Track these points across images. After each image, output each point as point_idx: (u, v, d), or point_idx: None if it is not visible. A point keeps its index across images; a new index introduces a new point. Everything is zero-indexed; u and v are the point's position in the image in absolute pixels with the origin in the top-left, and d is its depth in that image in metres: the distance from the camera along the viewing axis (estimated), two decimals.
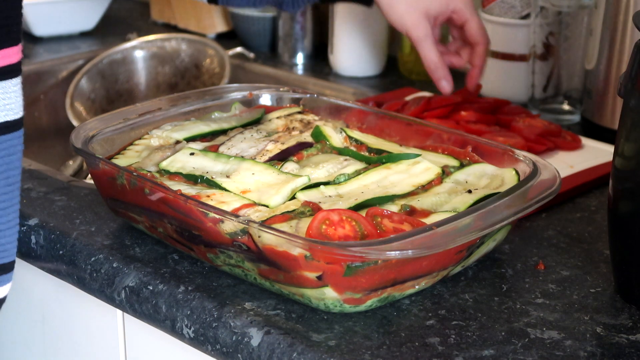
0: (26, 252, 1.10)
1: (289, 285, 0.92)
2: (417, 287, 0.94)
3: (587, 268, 1.01)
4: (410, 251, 0.86)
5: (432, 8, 1.24)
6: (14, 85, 0.80)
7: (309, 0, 1.25)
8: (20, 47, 0.80)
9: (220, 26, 1.90)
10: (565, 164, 1.24)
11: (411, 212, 0.96)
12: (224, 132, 1.15)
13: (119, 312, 1.07)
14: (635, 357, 0.87)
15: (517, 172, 1.02)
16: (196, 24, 1.92)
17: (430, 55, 1.24)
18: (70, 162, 1.69)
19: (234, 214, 0.95)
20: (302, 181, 1.01)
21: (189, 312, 0.94)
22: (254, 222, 0.91)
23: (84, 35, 1.90)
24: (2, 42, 0.78)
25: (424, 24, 1.23)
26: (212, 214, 0.93)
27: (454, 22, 1.28)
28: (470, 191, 1.00)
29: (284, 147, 1.09)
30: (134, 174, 1.00)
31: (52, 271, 1.09)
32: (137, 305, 0.99)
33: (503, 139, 1.24)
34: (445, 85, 1.26)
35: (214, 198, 0.98)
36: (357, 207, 0.96)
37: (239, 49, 1.78)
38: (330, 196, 0.99)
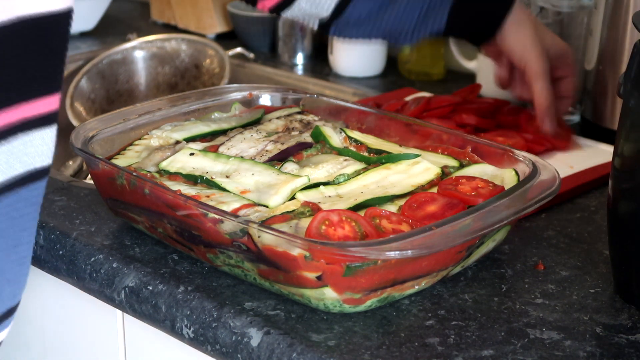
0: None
1: (289, 286, 0.92)
2: (416, 287, 0.94)
3: (587, 268, 1.01)
4: (409, 251, 0.86)
5: (552, 49, 1.24)
6: (51, 133, 0.81)
7: (425, 33, 1.23)
8: (60, 96, 0.81)
9: (220, 26, 1.90)
10: (565, 164, 1.24)
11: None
12: (223, 132, 1.15)
13: (118, 312, 1.07)
14: (634, 357, 0.87)
15: (516, 173, 1.02)
16: (196, 24, 1.92)
17: (545, 93, 1.22)
18: (70, 162, 1.69)
19: (234, 214, 0.95)
20: (301, 181, 1.01)
21: (188, 312, 0.94)
22: (254, 222, 0.91)
23: (84, 35, 1.90)
24: (47, 89, 0.79)
25: (545, 60, 1.22)
26: (211, 214, 0.93)
27: (556, 63, 1.26)
28: None
29: (284, 147, 1.09)
30: (134, 174, 1.01)
31: (52, 271, 1.09)
32: (137, 305, 0.99)
33: (503, 139, 1.24)
34: (548, 126, 1.24)
35: (214, 198, 0.98)
36: (357, 208, 0.96)
37: (239, 49, 1.78)
38: (329, 196, 0.99)
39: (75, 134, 1.09)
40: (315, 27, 1.25)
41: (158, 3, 1.99)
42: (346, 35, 1.26)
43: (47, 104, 0.79)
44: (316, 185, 1.01)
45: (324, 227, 0.90)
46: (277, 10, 1.24)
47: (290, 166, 1.04)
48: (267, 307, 0.93)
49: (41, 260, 1.09)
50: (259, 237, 0.90)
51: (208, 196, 0.99)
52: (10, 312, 0.87)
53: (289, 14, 1.24)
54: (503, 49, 1.24)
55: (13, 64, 0.76)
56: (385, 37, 1.24)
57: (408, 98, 1.43)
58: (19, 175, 0.80)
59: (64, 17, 0.79)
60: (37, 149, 0.80)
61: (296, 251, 0.88)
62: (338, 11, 1.22)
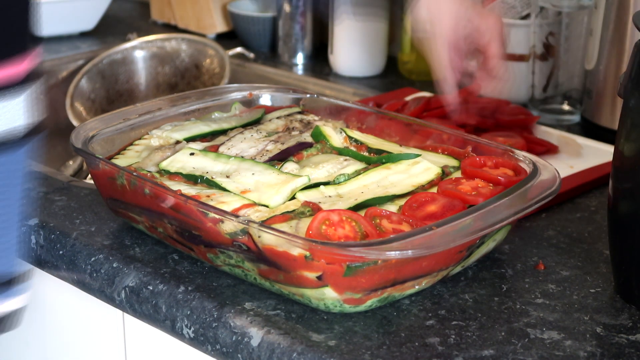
0: (26, 252, 1.10)
1: (289, 286, 0.92)
2: (417, 287, 0.94)
3: (587, 268, 1.01)
4: (410, 251, 0.86)
5: (467, 26, 1.19)
6: (16, 104, 0.77)
7: None
8: (28, 60, 0.77)
9: (220, 26, 1.90)
10: (565, 164, 1.24)
11: None
12: (224, 132, 1.15)
13: (119, 312, 1.07)
14: (635, 357, 0.87)
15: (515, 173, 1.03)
16: (196, 24, 1.92)
17: (444, 72, 1.20)
18: (70, 162, 1.69)
19: (234, 214, 0.95)
20: (302, 181, 1.01)
21: (189, 312, 0.94)
22: (254, 222, 0.91)
23: (84, 35, 1.90)
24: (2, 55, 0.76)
25: (453, 47, 1.18)
26: (212, 214, 0.93)
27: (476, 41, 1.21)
28: None
29: (284, 147, 1.09)
30: (134, 174, 1.01)
31: (52, 271, 1.09)
32: (137, 305, 0.99)
33: (503, 139, 1.24)
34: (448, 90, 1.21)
35: (214, 198, 0.98)
36: (357, 207, 0.96)
37: (239, 49, 1.78)
38: (330, 196, 0.99)
39: (75, 134, 1.09)
40: None
41: (158, 3, 1.99)
42: None
43: (5, 72, 0.76)
44: (316, 185, 1.01)
45: (324, 227, 0.90)
46: None
47: (290, 166, 1.04)
48: (267, 307, 0.93)
49: (41, 260, 1.09)
50: (259, 237, 0.90)
51: (208, 196, 0.99)
52: (3, 285, 0.85)
53: None
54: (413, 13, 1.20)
55: None
56: None
57: (408, 98, 1.43)
58: None
59: None
60: None
61: (296, 251, 0.88)
62: None
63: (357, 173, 1.04)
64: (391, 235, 0.88)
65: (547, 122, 1.41)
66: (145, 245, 1.05)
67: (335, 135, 1.12)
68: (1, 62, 0.75)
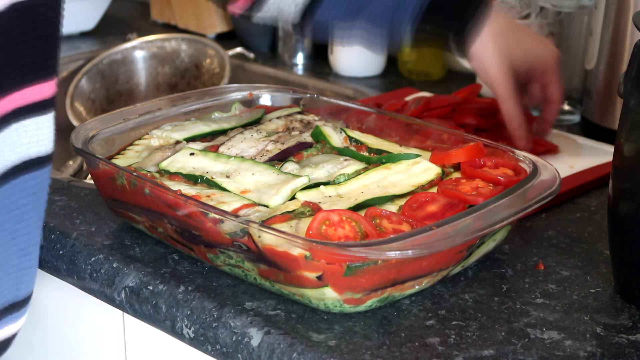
0: None
1: (289, 286, 0.92)
2: (417, 287, 0.94)
3: (587, 268, 1.01)
4: (410, 251, 0.86)
5: (526, 60, 1.19)
6: (47, 121, 0.79)
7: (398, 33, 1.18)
8: (56, 81, 0.79)
9: (220, 26, 1.90)
10: (565, 164, 1.24)
11: None
12: (224, 132, 1.15)
13: (119, 312, 1.07)
14: (635, 357, 0.87)
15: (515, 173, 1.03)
16: (196, 24, 1.92)
17: (514, 114, 1.19)
18: (70, 162, 1.69)
19: (234, 214, 0.95)
20: (302, 181, 1.01)
21: (189, 312, 0.94)
22: (254, 222, 0.91)
23: (84, 35, 1.90)
24: (40, 75, 0.78)
25: (509, 79, 1.17)
26: (212, 214, 0.93)
27: (534, 73, 1.21)
28: None
29: (284, 147, 1.09)
30: (134, 174, 1.01)
31: (52, 271, 1.09)
32: (137, 305, 0.99)
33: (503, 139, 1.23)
34: (525, 145, 1.19)
35: (214, 198, 0.98)
36: (357, 207, 0.96)
37: (239, 49, 1.78)
38: (330, 196, 0.99)
39: (75, 134, 1.08)
40: (290, 27, 1.23)
41: (158, 3, 1.99)
42: (319, 37, 1.23)
43: (41, 90, 0.78)
44: (316, 185, 1.01)
45: (324, 227, 0.90)
46: (247, 12, 1.22)
47: (290, 166, 1.04)
48: (267, 307, 0.93)
49: (41, 260, 1.09)
50: (259, 237, 0.90)
51: (208, 196, 0.99)
52: (14, 306, 0.86)
53: (259, 16, 1.22)
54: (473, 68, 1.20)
55: (5, 51, 0.75)
56: (363, 40, 1.19)
57: (408, 98, 1.43)
58: (12, 165, 0.79)
59: (53, 1, 0.78)
60: (31, 138, 0.79)
61: (296, 251, 0.88)
62: (306, 14, 1.19)
63: (357, 173, 1.04)
64: (391, 235, 0.88)
65: None
66: (145, 245, 1.05)
67: (335, 135, 1.12)
68: (41, 80, 0.77)
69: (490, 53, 1.16)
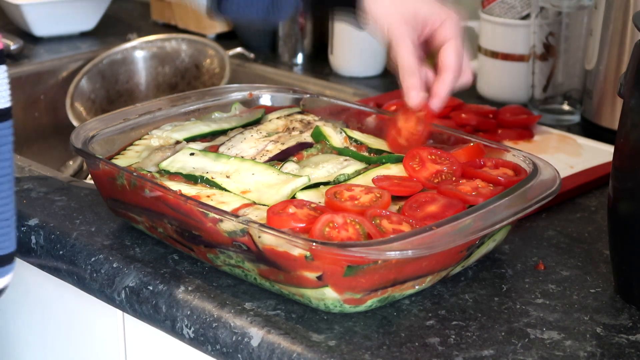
0: (26, 252, 1.10)
1: (289, 286, 0.92)
2: (417, 287, 0.94)
3: (587, 268, 1.01)
4: (410, 251, 0.86)
5: (420, 12, 1.06)
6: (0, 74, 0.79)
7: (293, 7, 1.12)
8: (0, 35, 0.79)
9: (220, 26, 1.90)
10: (565, 164, 1.24)
11: None
12: (224, 132, 1.15)
13: (119, 312, 1.07)
14: (635, 357, 0.87)
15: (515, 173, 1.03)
16: (196, 24, 1.92)
17: (408, 59, 1.05)
18: (70, 162, 1.69)
19: (234, 214, 0.95)
20: (302, 181, 1.01)
21: (189, 312, 0.94)
22: (254, 222, 0.91)
23: (84, 35, 1.90)
24: None
25: (407, 25, 1.05)
26: (212, 214, 0.93)
27: (434, 39, 1.08)
28: None
29: (284, 147, 1.09)
30: (134, 174, 1.01)
31: (52, 271, 1.09)
32: (137, 305, 0.99)
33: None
34: (414, 96, 1.06)
35: (214, 198, 0.98)
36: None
37: (239, 49, 1.78)
38: None
39: (75, 134, 1.08)
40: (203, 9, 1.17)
41: (158, 3, 1.99)
42: (231, 15, 1.15)
43: None
44: (316, 185, 1.01)
45: (327, 229, 0.90)
46: None
47: (290, 166, 1.04)
48: (267, 307, 0.93)
49: (41, 260, 1.09)
50: (259, 237, 0.90)
51: (208, 196, 0.99)
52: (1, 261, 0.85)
53: None
54: (371, 21, 1.08)
55: None
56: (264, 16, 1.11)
57: None
58: None
59: None
60: None
61: (297, 251, 0.88)
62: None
63: (357, 173, 1.04)
64: (391, 236, 0.88)
65: (547, 122, 1.41)
66: (145, 245, 1.05)
67: (335, 135, 1.12)
68: None
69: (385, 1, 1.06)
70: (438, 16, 1.06)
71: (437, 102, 1.06)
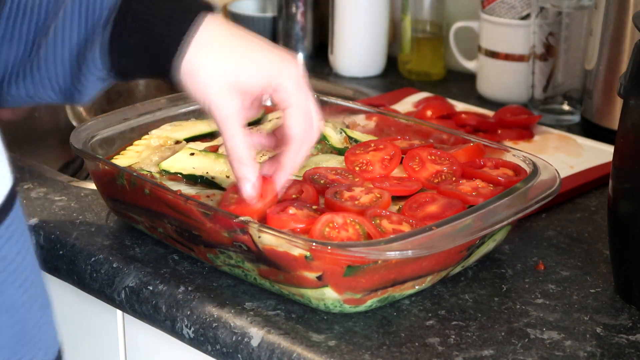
0: None
1: (289, 286, 0.92)
2: (417, 287, 0.94)
3: (587, 268, 1.01)
4: (410, 251, 0.86)
5: (244, 80, 0.89)
6: None
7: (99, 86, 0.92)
8: None
9: None
10: (565, 164, 1.24)
11: None
12: None
13: (119, 312, 1.07)
14: (635, 357, 0.87)
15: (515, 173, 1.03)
16: None
17: (237, 146, 0.90)
18: (71, 162, 1.69)
19: (234, 214, 0.94)
20: None
21: (189, 312, 0.94)
22: (254, 222, 0.91)
23: None
24: None
25: (233, 100, 0.89)
26: (212, 214, 0.93)
27: (277, 103, 0.92)
28: None
29: None
30: (134, 174, 1.01)
31: (52, 271, 1.09)
32: (137, 305, 0.99)
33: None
34: (250, 190, 0.91)
35: (214, 198, 0.98)
36: None
37: None
38: None
39: (75, 134, 1.08)
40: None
41: None
42: (17, 102, 0.94)
43: None
44: None
45: (327, 230, 0.90)
46: None
47: None
48: (267, 307, 0.93)
49: (41, 260, 1.09)
50: (259, 237, 0.90)
51: (208, 196, 0.99)
52: None
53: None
54: (189, 93, 0.90)
55: None
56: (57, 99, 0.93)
57: (408, 98, 1.43)
58: None
59: None
60: None
61: (297, 251, 0.88)
62: None
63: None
64: (391, 236, 0.88)
65: (547, 122, 1.41)
66: (145, 245, 1.05)
67: (335, 135, 1.12)
68: None
69: (205, 66, 0.88)
70: (267, 82, 0.90)
71: (284, 176, 0.93)
